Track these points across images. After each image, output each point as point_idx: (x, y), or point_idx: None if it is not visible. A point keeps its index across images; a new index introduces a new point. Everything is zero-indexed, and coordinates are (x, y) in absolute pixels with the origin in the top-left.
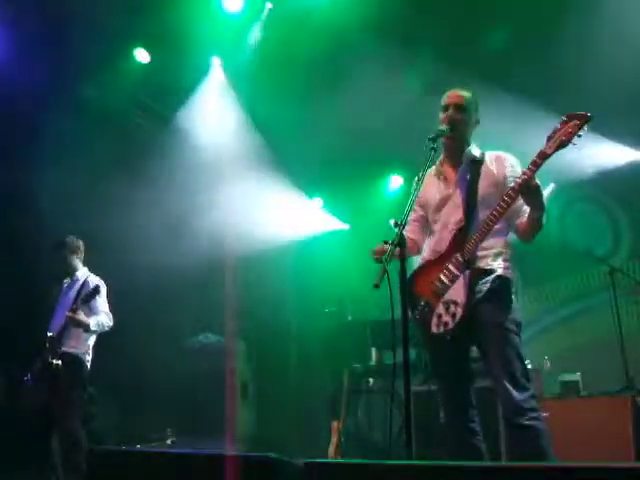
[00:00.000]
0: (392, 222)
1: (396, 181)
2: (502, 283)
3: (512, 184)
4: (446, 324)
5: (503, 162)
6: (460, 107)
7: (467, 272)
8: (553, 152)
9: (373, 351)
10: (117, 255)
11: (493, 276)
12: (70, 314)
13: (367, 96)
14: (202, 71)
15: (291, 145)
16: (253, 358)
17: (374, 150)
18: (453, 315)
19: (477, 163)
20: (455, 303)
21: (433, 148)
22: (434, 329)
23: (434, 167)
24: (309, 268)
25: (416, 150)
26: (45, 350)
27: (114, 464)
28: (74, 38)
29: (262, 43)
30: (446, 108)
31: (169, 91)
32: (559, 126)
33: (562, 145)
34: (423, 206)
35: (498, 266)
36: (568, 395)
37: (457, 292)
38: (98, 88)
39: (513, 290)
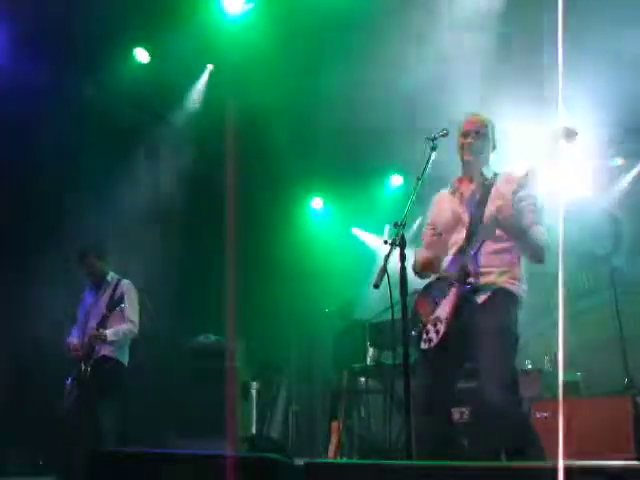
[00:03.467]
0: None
1: (396, 181)
2: (503, 295)
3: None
4: (430, 340)
5: (512, 182)
6: (480, 134)
7: (454, 289)
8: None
9: (371, 351)
10: (116, 254)
11: (494, 288)
12: (93, 334)
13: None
14: (196, 75)
15: (291, 144)
16: (253, 358)
17: (375, 149)
18: (437, 332)
19: (488, 185)
20: (440, 320)
21: (433, 148)
22: (422, 345)
23: (452, 184)
24: (309, 268)
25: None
26: (79, 356)
27: (114, 465)
28: (74, 38)
29: (258, 42)
30: (467, 135)
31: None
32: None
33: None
34: (435, 227)
35: (502, 282)
36: (568, 395)
37: (443, 309)
38: (98, 88)
39: (518, 305)
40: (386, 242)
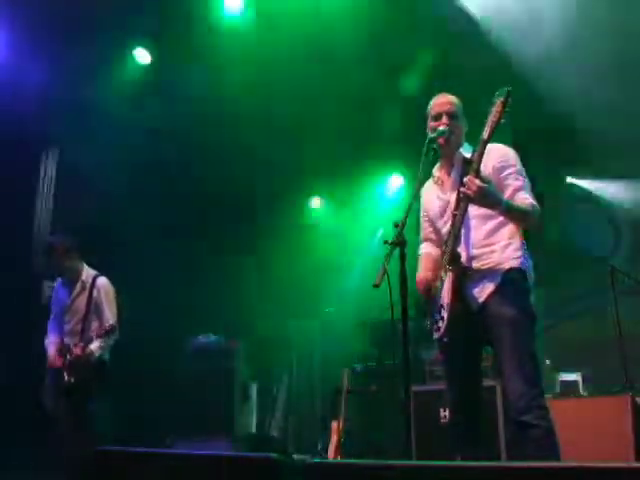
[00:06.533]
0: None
1: (396, 181)
2: (513, 275)
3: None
4: (439, 329)
5: (492, 155)
6: (452, 114)
7: (450, 274)
8: (490, 136)
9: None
10: (117, 253)
11: (503, 270)
12: (76, 354)
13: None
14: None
15: (292, 144)
16: (253, 358)
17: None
18: (442, 319)
19: (469, 163)
20: (443, 307)
21: (433, 149)
22: (434, 335)
23: (432, 174)
24: (310, 268)
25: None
26: (60, 359)
27: (114, 464)
28: (74, 38)
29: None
30: (439, 117)
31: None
32: (491, 109)
33: (496, 125)
34: (429, 218)
35: (509, 257)
36: (568, 395)
37: (445, 295)
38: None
39: (530, 280)
40: (386, 242)
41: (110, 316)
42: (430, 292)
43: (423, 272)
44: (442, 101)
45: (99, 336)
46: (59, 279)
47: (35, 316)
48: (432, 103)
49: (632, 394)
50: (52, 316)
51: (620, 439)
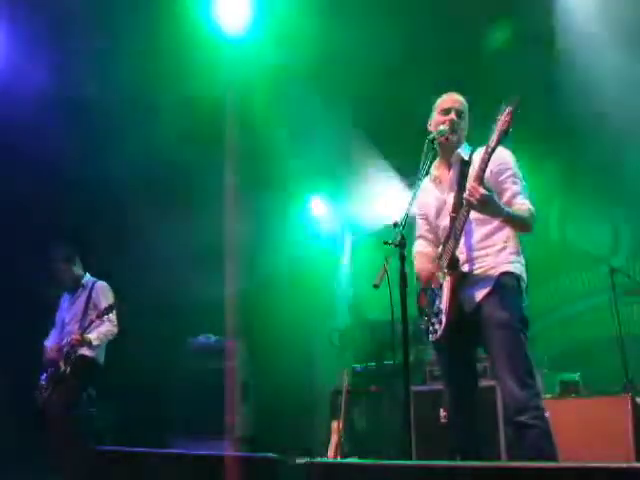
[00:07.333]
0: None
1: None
2: (506, 279)
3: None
4: (436, 332)
5: (491, 158)
6: (461, 113)
7: (449, 278)
8: (497, 144)
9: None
10: (117, 253)
11: (497, 273)
12: (75, 338)
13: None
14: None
15: (292, 144)
16: (253, 358)
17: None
18: (440, 322)
19: (467, 164)
20: (440, 311)
21: (433, 149)
22: (430, 337)
23: (430, 172)
24: (310, 267)
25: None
26: (57, 358)
27: (114, 464)
28: (75, 38)
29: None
30: (448, 111)
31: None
32: (499, 117)
33: (504, 134)
34: (426, 217)
35: (502, 261)
36: (568, 395)
37: (443, 299)
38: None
39: (523, 285)
40: (386, 242)
41: (106, 304)
42: (430, 286)
43: (422, 266)
44: (453, 98)
45: (98, 317)
46: (65, 293)
47: (38, 319)
48: (441, 99)
49: (632, 394)
50: (55, 326)
51: (620, 439)
